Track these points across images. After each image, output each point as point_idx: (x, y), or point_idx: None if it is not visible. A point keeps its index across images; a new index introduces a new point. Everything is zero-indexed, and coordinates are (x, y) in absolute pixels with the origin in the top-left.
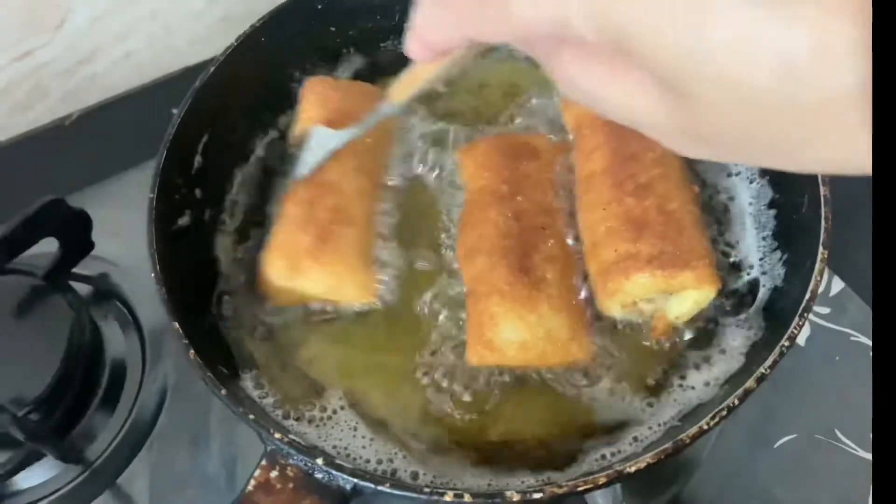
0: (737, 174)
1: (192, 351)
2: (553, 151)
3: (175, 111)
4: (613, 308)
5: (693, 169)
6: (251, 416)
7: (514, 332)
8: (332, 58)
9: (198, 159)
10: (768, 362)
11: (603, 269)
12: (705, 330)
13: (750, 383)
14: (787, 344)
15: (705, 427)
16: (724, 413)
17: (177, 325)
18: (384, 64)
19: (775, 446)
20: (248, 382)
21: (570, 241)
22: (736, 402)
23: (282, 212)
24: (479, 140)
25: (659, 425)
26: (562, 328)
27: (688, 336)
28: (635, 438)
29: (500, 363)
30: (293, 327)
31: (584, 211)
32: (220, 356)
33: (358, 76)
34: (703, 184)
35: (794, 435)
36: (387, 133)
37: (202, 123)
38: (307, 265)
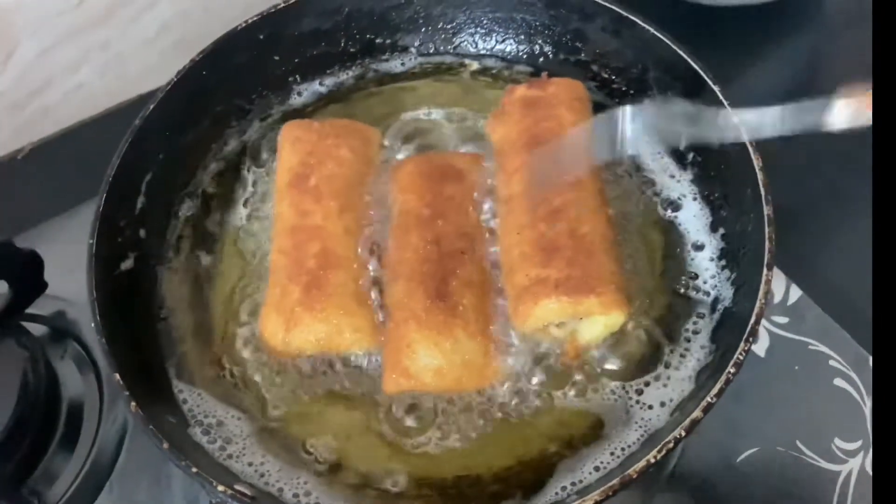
0: (681, 178)
1: (133, 404)
2: (478, 172)
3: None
4: (527, 331)
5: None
6: (194, 470)
7: (430, 359)
8: (280, 87)
9: (141, 199)
10: (714, 390)
11: (515, 294)
12: (657, 350)
13: (696, 413)
14: (732, 371)
15: (652, 460)
16: (672, 445)
17: (118, 376)
18: (333, 91)
19: (738, 460)
20: (196, 429)
21: (489, 263)
22: (682, 433)
23: (272, 264)
24: (406, 161)
25: (622, 450)
26: (476, 353)
27: (610, 366)
28: (596, 468)
29: (416, 390)
30: (246, 367)
31: (503, 234)
32: (168, 404)
33: (308, 105)
34: (655, 200)
35: (757, 448)
36: (367, 164)
37: (145, 161)
38: (300, 317)
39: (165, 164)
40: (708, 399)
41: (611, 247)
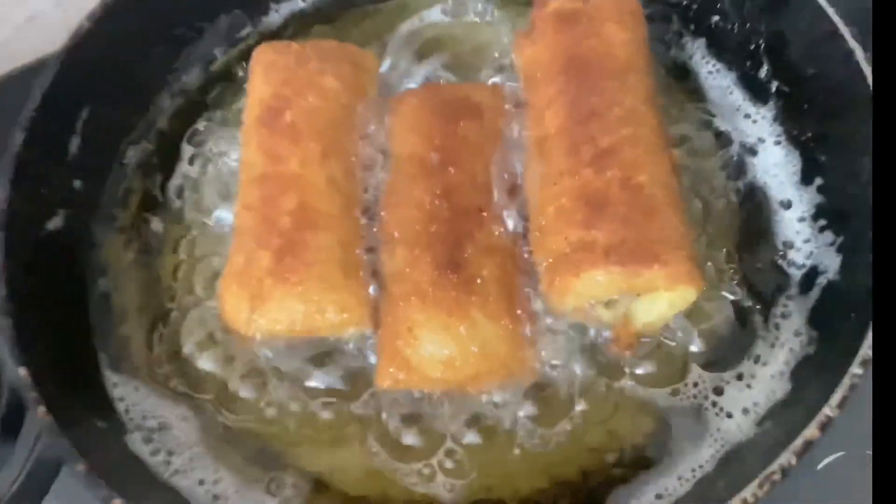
0: (759, 117)
1: (41, 408)
2: (501, 108)
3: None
4: (565, 310)
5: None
6: None
7: (437, 347)
8: (253, 3)
9: (76, 141)
10: (836, 399)
11: (551, 262)
12: (732, 337)
13: (811, 432)
14: (859, 372)
15: (750, 500)
16: (778, 476)
17: (23, 371)
18: (318, 7)
19: (819, 468)
20: (135, 437)
21: (513, 225)
22: (792, 460)
23: (236, 222)
24: (409, 93)
25: (692, 472)
26: (499, 340)
27: (695, 348)
28: (658, 496)
29: (419, 387)
30: (201, 353)
31: (534, 185)
32: (98, 405)
33: (286, 26)
34: (717, 134)
35: (842, 453)
36: (359, 96)
37: (81, 93)
38: (272, 291)
39: (108, 97)
40: (827, 411)
41: (677, 200)
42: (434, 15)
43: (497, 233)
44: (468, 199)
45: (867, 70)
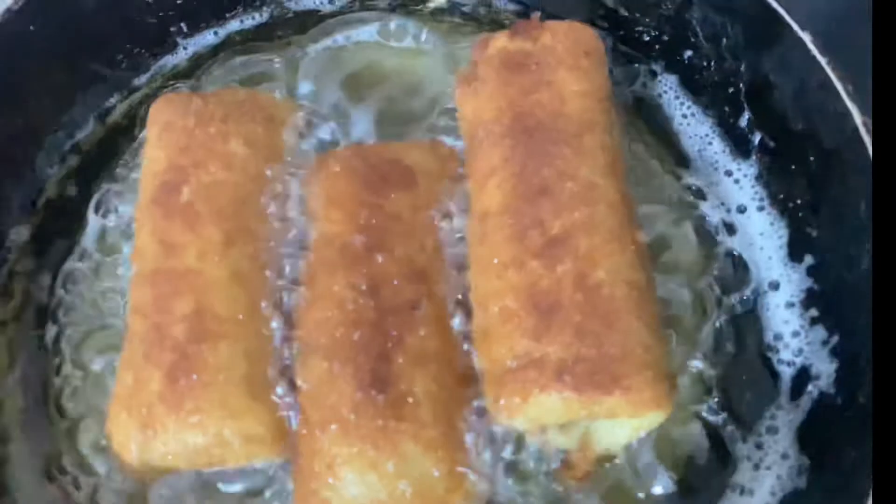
0: (741, 175)
1: None
2: (439, 171)
3: None
4: (515, 427)
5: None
6: None
7: (362, 489)
8: (157, 40)
9: None
10: None
11: (495, 376)
12: (707, 464)
13: None
14: None
15: None
16: None
17: None
18: (234, 39)
19: None
20: None
21: (453, 322)
22: None
23: (128, 327)
24: (329, 156)
25: None
26: (435, 476)
27: (659, 489)
28: None
29: None
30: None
31: (476, 274)
32: None
33: (198, 64)
34: (692, 199)
35: None
36: (272, 159)
37: None
38: (164, 421)
39: None
40: None
41: (643, 301)
42: (363, 37)
43: (433, 335)
44: (399, 293)
45: (866, 137)
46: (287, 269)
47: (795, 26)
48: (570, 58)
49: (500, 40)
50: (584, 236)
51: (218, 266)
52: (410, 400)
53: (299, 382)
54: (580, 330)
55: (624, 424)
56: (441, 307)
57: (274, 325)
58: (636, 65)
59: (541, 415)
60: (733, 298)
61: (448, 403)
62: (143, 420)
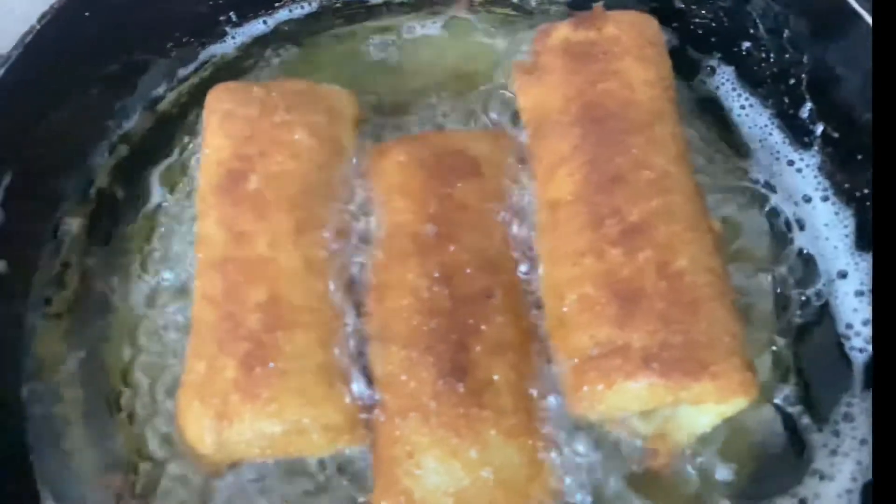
0: (803, 165)
1: None
2: (504, 161)
3: None
4: (593, 417)
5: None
6: None
7: (445, 477)
8: (206, 29)
9: None
10: None
11: (575, 365)
12: (783, 452)
13: None
14: None
15: None
16: None
17: None
18: (283, 30)
19: None
20: None
21: (527, 309)
22: None
23: (195, 314)
24: (393, 145)
25: None
26: (518, 463)
27: (723, 475)
28: None
29: None
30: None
31: (548, 262)
32: None
33: (247, 55)
34: (756, 191)
35: None
36: (338, 152)
37: (1, 153)
38: (240, 410)
39: (35, 155)
40: None
41: (724, 289)
42: (416, 32)
43: (509, 324)
44: (472, 282)
45: None
46: (355, 258)
47: (867, 17)
48: (635, 47)
49: (563, 30)
50: (662, 224)
51: (290, 254)
52: (490, 388)
53: (376, 371)
54: (665, 317)
55: (706, 411)
56: (512, 297)
57: (346, 313)
58: (692, 57)
59: (624, 402)
60: (802, 288)
61: (526, 392)
62: (218, 409)
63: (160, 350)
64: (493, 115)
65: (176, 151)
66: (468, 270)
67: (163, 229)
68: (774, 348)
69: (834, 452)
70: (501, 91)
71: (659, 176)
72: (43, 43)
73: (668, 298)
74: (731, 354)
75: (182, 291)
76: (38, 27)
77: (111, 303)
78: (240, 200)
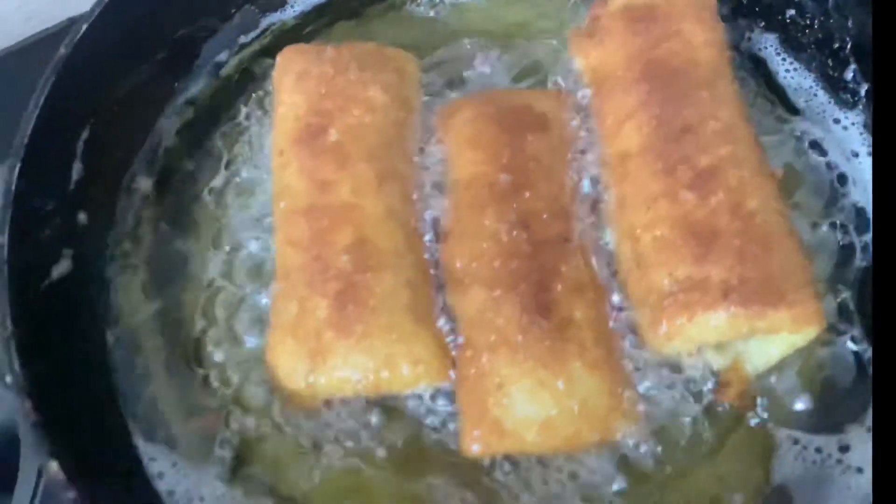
0: (849, 123)
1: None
2: (567, 118)
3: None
4: (667, 353)
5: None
6: None
7: (533, 407)
8: None
9: (77, 167)
10: None
11: (653, 301)
12: (851, 383)
13: None
14: None
15: None
16: None
17: (54, 466)
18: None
19: None
20: None
21: (598, 253)
22: None
23: (279, 260)
24: (461, 102)
25: None
26: (600, 394)
27: (798, 405)
28: None
29: (512, 451)
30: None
31: (620, 209)
32: (136, 488)
33: (305, 23)
34: (809, 146)
35: None
36: (408, 109)
37: (80, 111)
38: (334, 346)
39: (109, 114)
40: None
41: (791, 228)
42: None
43: (584, 266)
44: (549, 227)
45: None
46: (431, 207)
47: None
48: (692, 11)
49: None
50: (731, 169)
51: (374, 201)
52: (572, 325)
53: (458, 311)
54: (741, 253)
55: (777, 342)
56: (586, 241)
57: (427, 258)
58: (738, 24)
59: (702, 335)
60: (859, 235)
61: (605, 328)
62: (312, 346)
63: (235, 295)
64: (553, 78)
65: (239, 114)
66: (544, 216)
67: (227, 187)
68: (838, 292)
69: None
70: (555, 53)
71: (725, 127)
72: (118, 6)
73: (742, 236)
74: (805, 285)
75: (255, 257)
76: None
77: (184, 258)
78: (321, 152)
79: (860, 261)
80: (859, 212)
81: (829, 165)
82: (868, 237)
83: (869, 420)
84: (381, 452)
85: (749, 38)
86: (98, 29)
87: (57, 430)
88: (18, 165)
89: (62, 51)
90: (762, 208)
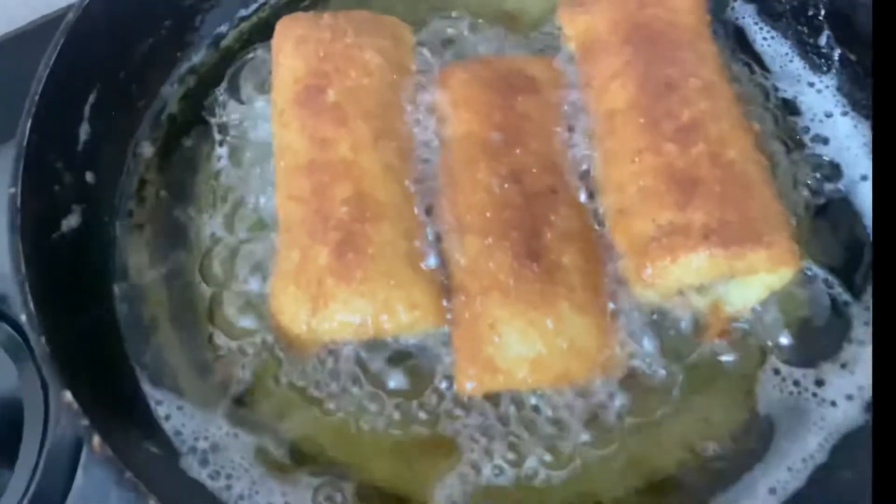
0: (823, 87)
1: (96, 440)
2: (557, 81)
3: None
4: (652, 297)
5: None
6: None
7: (524, 346)
8: None
9: (85, 128)
10: None
11: (638, 247)
12: (825, 323)
13: None
14: None
15: None
16: None
17: (68, 395)
18: None
19: None
20: (190, 460)
21: (586, 205)
22: None
23: (281, 214)
24: (457, 66)
25: (803, 462)
26: (587, 333)
27: (784, 340)
28: (772, 490)
29: (505, 388)
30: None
31: (606, 163)
32: (144, 426)
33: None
34: (784, 105)
35: None
36: (402, 72)
37: (87, 76)
38: (335, 291)
39: (115, 80)
40: None
41: (768, 177)
42: None
43: (573, 216)
44: (539, 180)
45: None
46: (426, 164)
47: None
48: None
49: None
50: (712, 123)
51: (371, 157)
52: (562, 269)
53: (453, 259)
54: (721, 198)
55: (755, 283)
56: (574, 193)
57: (423, 210)
58: None
59: (686, 276)
60: (829, 187)
61: (592, 274)
62: (314, 292)
63: (236, 249)
64: (539, 46)
65: (239, 83)
66: (534, 170)
67: (227, 150)
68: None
69: (867, 323)
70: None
71: (706, 84)
72: None
73: (722, 183)
74: (781, 228)
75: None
76: None
77: (188, 217)
78: (320, 111)
79: (831, 213)
80: (834, 167)
81: (800, 114)
82: (840, 192)
83: (843, 357)
84: (381, 396)
85: (733, 8)
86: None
87: (66, 366)
88: (29, 122)
89: (70, 16)
90: (741, 158)
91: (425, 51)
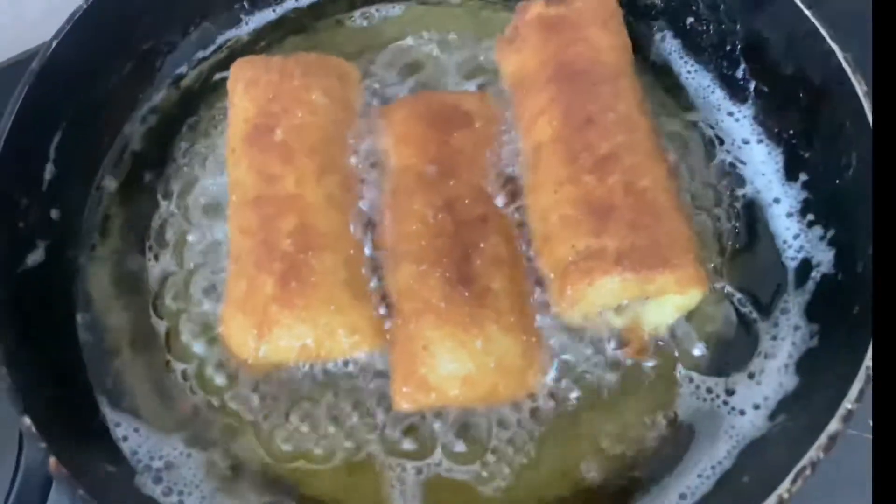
0: (741, 116)
1: (53, 460)
2: (491, 115)
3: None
4: (574, 318)
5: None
6: None
7: (455, 364)
8: (222, 14)
9: (50, 168)
10: (853, 393)
11: (559, 271)
12: (735, 338)
13: (834, 426)
14: (870, 365)
15: (785, 496)
16: (809, 472)
17: (27, 420)
18: (290, 18)
19: None
20: (144, 479)
21: (515, 233)
22: (821, 455)
23: (232, 246)
24: (397, 104)
25: (712, 468)
26: (515, 353)
27: (697, 352)
28: (682, 496)
29: (437, 405)
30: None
31: (533, 193)
32: (102, 447)
33: (259, 38)
34: (703, 135)
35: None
36: (347, 110)
37: (52, 117)
38: (278, 317)
39: (80, 120)
40: (847, 405)
41: (679, 204)
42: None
43: (502, 243)
44: (470, 209)
45: (848, 69)
46: (368, 196)
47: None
48: (598, 19)
49: (538, 6)
50: (627, 155)
51: (314, 191)
52: (490, 293)
53: (391, 285)
54: (633, 225)
55: (668, 304)
56: (504, 222)
57: (363, 240)
58: (644, 32)
59: (601, 298)
60: (744, 211)
61: (520, 297)
62: (259, 318)
63: (194, 277)
64: (476, 83)
65: (198, 122)
66: (466, 200)
67: (185, 185)
68: (719, 252)
69: (774, 338)
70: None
71: (623, 118)
72: (88, 20)
73: (634, 210)
74: (688, 252)
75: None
76: (84, 6)
77: (149, 251)
78: (267, 149)
79: (742, 236)
80: (745, 184)
81: (719, 143)
82: (756, 208)
83: (750, 368)
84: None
85: (657, 44)
86: (68, 43)
87: (29, 393)
88: None
89: (34, 64)
90: (653, 186)
91: (379, 82)
